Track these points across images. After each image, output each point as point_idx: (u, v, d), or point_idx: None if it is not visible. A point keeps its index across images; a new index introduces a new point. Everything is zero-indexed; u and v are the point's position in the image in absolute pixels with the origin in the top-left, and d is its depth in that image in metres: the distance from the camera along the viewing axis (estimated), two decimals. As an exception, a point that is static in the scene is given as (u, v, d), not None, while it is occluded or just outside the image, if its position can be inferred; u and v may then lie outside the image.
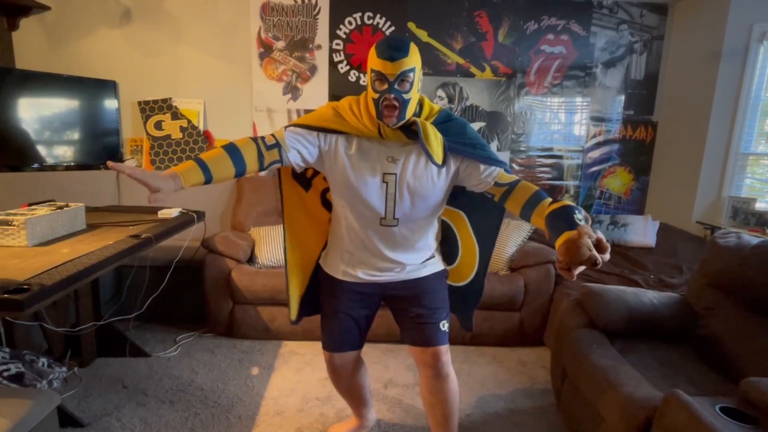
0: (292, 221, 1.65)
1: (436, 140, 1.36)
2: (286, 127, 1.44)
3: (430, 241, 1.58)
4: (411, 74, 1.30)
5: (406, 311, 1.59)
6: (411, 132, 1.37)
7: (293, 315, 1.70)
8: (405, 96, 1.31)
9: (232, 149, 1.33)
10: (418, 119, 1.37)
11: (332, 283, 1.61)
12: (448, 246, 1.70)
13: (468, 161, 1.42)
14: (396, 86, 1.29)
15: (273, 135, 1.40)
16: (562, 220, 1.13)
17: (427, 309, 1.56)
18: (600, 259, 1.00)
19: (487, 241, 1.66)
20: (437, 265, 1.63)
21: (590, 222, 1.13)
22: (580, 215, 1.12)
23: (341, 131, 1.41)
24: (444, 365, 1.59)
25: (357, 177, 1.41)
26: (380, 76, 1.30)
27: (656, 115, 3.75)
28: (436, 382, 1.61)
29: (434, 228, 1.60)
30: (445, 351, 1.59)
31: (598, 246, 1.03)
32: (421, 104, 1.45)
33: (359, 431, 1.96)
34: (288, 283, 1.67)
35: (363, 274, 1.55)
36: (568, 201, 1.21)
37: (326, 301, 1.65)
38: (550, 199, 1.26)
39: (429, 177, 1.42)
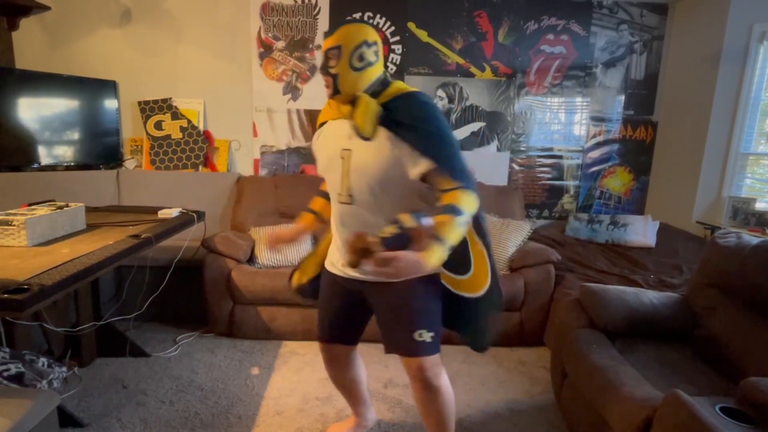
0: None
1: (366, 112, 1.36)
2: None
3: None
4: (335, 51, 1.39)
5: (378, 314, 1.56)
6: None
7: (294, 282, 1.76)
8: (331, 71, 1.40)
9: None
10: (363, 94, 1.39)
11: (324, 273, 1.67)
12: (457, 253, 1.45)
13: (401, 143, 1.36)
14: (326, 64, 1.41)
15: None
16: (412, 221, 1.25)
17: (396, 315, 1.49)
18: (348, 262, 1.28)
19: (485, 237, 1.57)
20: None
21: (420, 240, 1.23)
22: (397, 227, 1.24)
23: (325, 120, 1.57)
24: (432, 378, 1.50)
25: (322, 154, 1.54)
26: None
27: (656, 115, 3.75)
28: (426, 395, 1.54)
29: None
30: (432, 363, 1.49)
31: (365, 253, 1.21)
32: (386, 84, 1.43)
33: (358, 430, 1.96)
34: (311, 253, 1.76)
35: (337, 265, 1.58)
36: (446, 220, 1.26)
37: (321, 290, 1.70)
38: (443, 216, 1.27)
39: (373, 152, 1.39)
